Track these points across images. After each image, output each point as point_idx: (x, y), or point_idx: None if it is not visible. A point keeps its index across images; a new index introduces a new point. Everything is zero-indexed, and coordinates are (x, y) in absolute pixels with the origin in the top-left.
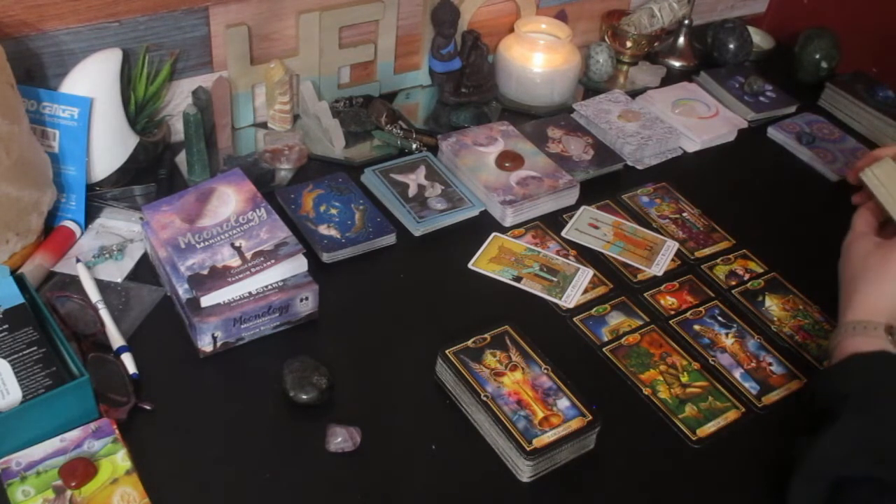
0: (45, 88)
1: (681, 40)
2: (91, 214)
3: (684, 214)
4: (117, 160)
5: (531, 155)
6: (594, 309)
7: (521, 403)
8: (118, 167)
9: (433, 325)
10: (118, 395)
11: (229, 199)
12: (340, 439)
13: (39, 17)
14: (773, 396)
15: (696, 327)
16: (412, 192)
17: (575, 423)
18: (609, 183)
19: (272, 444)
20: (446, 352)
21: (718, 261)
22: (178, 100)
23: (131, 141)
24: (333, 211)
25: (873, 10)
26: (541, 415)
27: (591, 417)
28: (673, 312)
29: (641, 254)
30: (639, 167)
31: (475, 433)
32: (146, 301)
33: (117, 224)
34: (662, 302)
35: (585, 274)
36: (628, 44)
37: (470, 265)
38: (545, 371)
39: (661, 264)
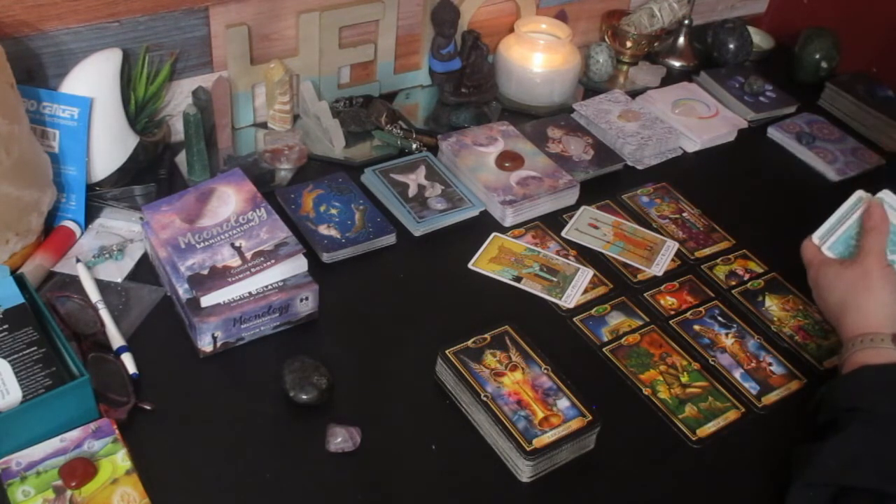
0: (45, 88)
1: (681, 40)
2: (91, 214)
3: (684, 214)
4: (117, 160)
5: (531, 155)
6: (594, 309)
7: (521, 403)
8: (118, 167)
9: (433, 325)
10: (118, 395)
11: (229, 199)
12: (340, 439)
13: (39, 17)
14: (772, 396)
15: (696, 327)
16: (412, 192)
17: (575, 424)
18: (609, 183)
19: (272, 444)
20: (446, 352)
21: (718, 261)
22: (178, 100)
23: (131, 141)
24: (333, 211)
25: (873, 10)
26: (541, 415)
27: (591, 417)
28: (673, 312)
29: (641, 254)
30: (639, 167)
31: (475, 433)
32: (146, 301)
33: (117, 224)
34: (662, 302)
35: (585, 274)
36: (628, 44)
37: (470, 265)
38: (545, 371)
39: (661, 264)
